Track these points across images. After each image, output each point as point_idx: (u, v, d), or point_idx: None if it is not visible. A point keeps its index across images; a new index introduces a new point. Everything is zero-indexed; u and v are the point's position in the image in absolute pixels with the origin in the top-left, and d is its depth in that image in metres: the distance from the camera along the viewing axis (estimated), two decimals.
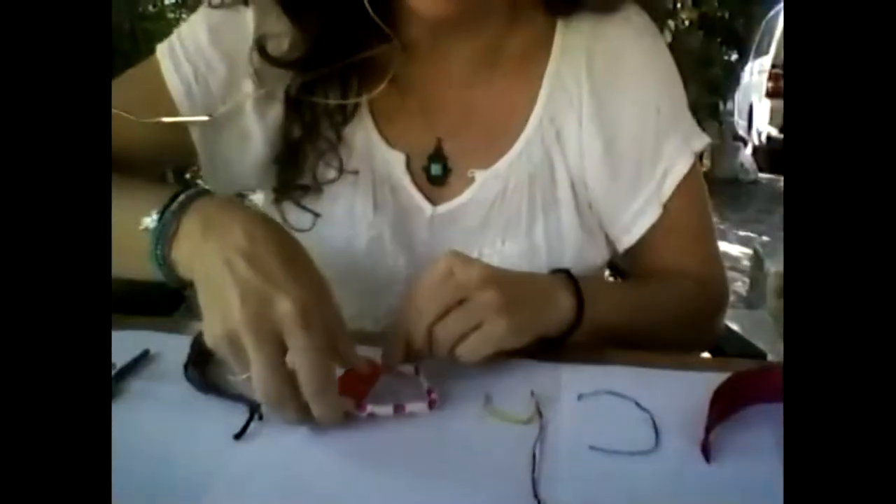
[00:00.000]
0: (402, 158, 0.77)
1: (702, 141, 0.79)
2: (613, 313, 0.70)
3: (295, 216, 0.78)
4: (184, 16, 3.61)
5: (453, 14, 0.65)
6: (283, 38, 0.73)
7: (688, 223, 0.80)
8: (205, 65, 0.74)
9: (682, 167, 0.78)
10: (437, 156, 0.78)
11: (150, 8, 3.39)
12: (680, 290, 0.77)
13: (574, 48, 0.77)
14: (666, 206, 0.78)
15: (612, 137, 0.77)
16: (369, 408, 0.56)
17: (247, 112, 0.75)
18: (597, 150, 0.77)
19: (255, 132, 0.76)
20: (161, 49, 0.75)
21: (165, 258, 0.58)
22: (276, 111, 0.76)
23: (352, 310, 0.78)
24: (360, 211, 0.77)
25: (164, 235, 0.58)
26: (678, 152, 0.77)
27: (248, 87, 0.74)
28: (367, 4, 0.67)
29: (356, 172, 0.77)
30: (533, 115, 0.77)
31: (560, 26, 0.78)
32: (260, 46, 0.73)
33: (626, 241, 0.79)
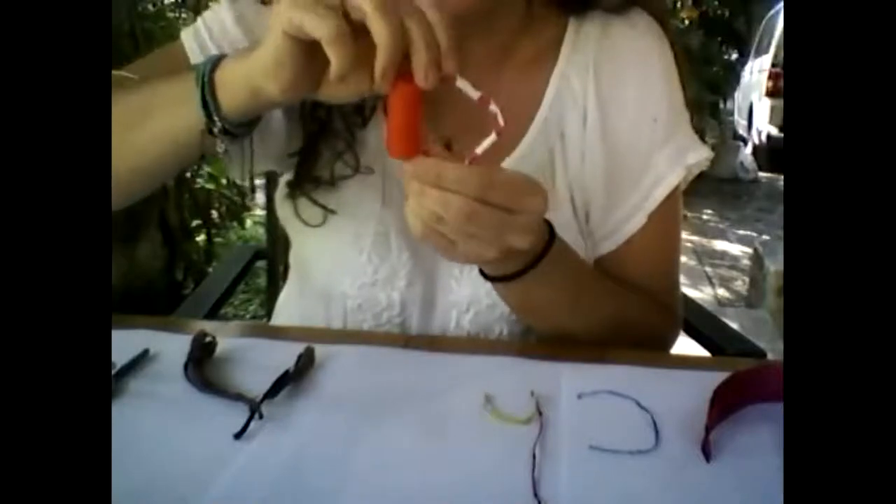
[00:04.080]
0: None
1: (697, 154, 0.78)
2: (559, 277, 0.68)
3: (307, 211, 0.78)
4: (184, 16, 3.61)
5: (474, 8, 0.66)
6: None
7: (664, 241, 0.81)
8: (229, 45, 0.75)
9: (672, 179, 0.77)
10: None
11: (150, 7, 3.39)
12: (631, 299, 0.77)
13: (582, 51, 0.78)
14: (650, 217, 0.78)
15: (611, 143, 0.77)
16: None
17: None
18: (597, 154, 0.77)
19: (276, 123, 0.77)
20: (186, 33, 0.78)
21: (210, 82, 0.61)
22: (299, 104, 0.77)
23: (353, 303, 0.79)
24: (369, 206, 0.78)
25: (210, 65, 0.62)
26: (670, 164, 0.77)
27: None
28: None
29: (371, 171, 0.77)
30: (538, 115, 0.77)
31: (570, 29, 0.79)
32: None
33: (605, 246, 0.79)
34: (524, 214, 0.56)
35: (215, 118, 0.62)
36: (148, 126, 0.65)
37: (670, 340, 0.83)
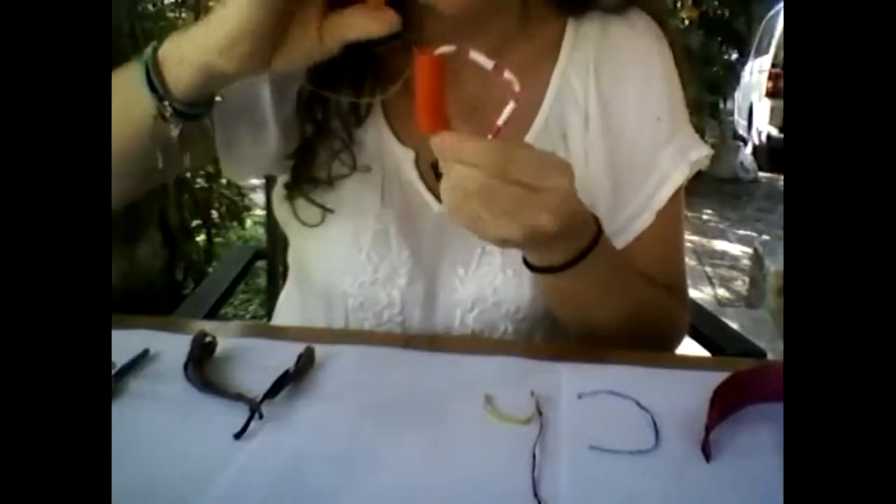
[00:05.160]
0: (412, 155, 0.78)
1: (699, 151, 0.79)
2: (600, 273, 0.69)
3: (305, 212, 0.78)
4: (184, 15, 3.61)
5: (471, 9, 0.67)
6: None
7: (671, 234, 0.81)
8: None
9: (677, 177, 0.78)
10: None
11: (150, 7, 3.39)
12: (652, 291, 0.78)
13: (582, 51, 0.78)
14: (657, 214, 0.78)
15: (614, 142, 0.77)
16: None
17: (264, 102, 0.76)
18: (600, 154, 0.77)
19: (270, 123, 0.77)
20: None
21: (156, 64, 0.61)
22: (293, 106, 0.77)
23: (354, 302, 0.79)
24: (368, 205, 0.78)
25: (153, 54, 0.62)
26: (675, 161, 0.78)
27: (264, 87, 0.76)
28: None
29: (369, 169, 0.77)
30: (539, 116, 0.77)
31: (569, 30, 0.79)
32: None
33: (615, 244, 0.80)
34: (547, 192, 0.56)
35: (165, 101, 0.61)
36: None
37: (682, 333, 0.84)
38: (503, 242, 0.61)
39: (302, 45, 0.60)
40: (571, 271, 0.65)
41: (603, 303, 0.73)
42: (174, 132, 0.63)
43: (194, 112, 0.64)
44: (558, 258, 0.65)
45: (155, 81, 0.61)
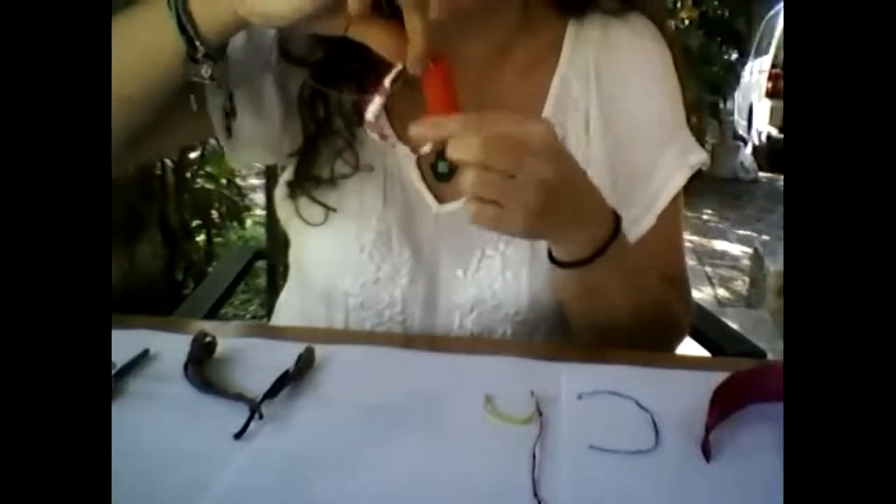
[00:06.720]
0: (413, 155, 0.78)
1: (698, 156, 0.79)
2: (615, 267, 0.69)
3: (308, 210, 0.78)
4: None
5: (471, 4, 0.67)
6: (301, 40, 0.75)
7: (672, 235, 0.82)
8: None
9: (678, 179, 0.78)
10: (444, 153, 0.78)
11: None
12: (660, 283, 0.78)
13: (582, 55, 0.78)
14: (659, 217, 0.79)
15: (615, 145, 0.78)
16: None
17: (267, 93, 0.77)
18: (601, 157, 0.77)
19: (275, 116, 0.78)
20: None
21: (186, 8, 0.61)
22: (295, 102, 0.78)
23: (355, 301, 0.79)
24: (370, 204, 0.78)
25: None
26: (676, 165, 0.78)
27: (268, 79, 0.77)
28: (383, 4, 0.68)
29: (371, 169, 0.78)
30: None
31: (570, 32, 0.79)
32: (282, 46, 0.75)
33: None
34: (525, 173, 0.57)
35: (197, 44, 0.62)
36: (122, 58, 0.63)
37: (685, 331, 0.84)
38: (523, 234, 0.62)
39: (328, 23, 0.60)
40: (598, 263, 0.66)
41: (622, 294, 0.73)
42: (205, 73, 0.64)
43: (216, 54, 0.65)
44: (586, 249, 0.65)
45: (187, 26, 0.61)
